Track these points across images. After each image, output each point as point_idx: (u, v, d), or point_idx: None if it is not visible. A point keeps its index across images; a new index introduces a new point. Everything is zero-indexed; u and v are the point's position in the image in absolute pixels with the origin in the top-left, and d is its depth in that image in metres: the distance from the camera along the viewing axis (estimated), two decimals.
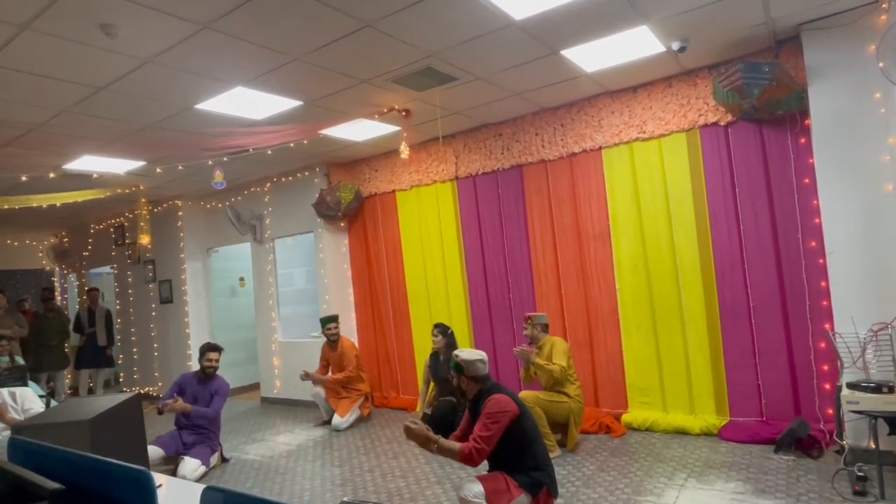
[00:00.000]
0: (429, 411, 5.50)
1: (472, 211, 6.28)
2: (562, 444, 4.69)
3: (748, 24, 4.03)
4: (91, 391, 8.63)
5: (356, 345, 6.52)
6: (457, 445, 2.90)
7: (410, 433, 2.92)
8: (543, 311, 5.68)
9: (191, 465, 4.70)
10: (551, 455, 4.44)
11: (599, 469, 4.23)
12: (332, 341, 6.32)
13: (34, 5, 2.93)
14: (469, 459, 2.89)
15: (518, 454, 2.99)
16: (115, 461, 1.28)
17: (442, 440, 2.92)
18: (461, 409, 4.93)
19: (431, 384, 5.75)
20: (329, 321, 6.33)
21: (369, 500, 3.74)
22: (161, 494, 2.05)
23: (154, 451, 4.71)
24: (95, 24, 3.16)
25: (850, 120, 3.96)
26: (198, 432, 4.98)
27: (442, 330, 5.65)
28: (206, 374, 5.10)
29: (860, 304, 3.89)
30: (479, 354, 3.16)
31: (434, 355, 5.70)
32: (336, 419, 6.02)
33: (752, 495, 3.54)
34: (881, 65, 3.50)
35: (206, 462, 4.86)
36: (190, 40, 3.47)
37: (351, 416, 6.10)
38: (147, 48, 3.54)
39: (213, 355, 5.11)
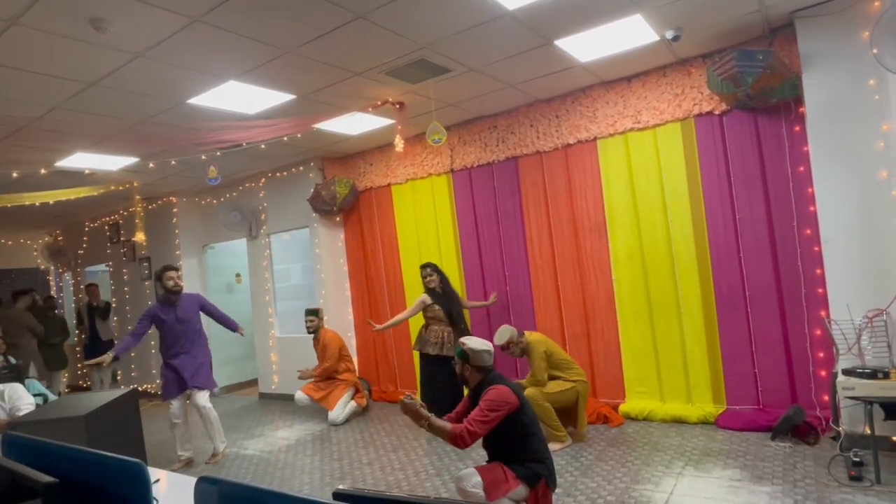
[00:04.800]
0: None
1: (467, 204, 6.26)
2: (571, 434, 4.68)
3: (742, 12, 4.02)
4: (89, 388, 8.61)
5: (339, 336, 6.48)
6: (448, 426, 2.91)
7: (405, 408, 2.94)
8: (540, 303, 5.71)
9: (201, 398, 4.99)
10: (562, 444, 4.50)
11: (597, 458, 4.25)
12: (311, 333, 6.34)
13: (22, 0, 2.90)
14: (458, 440, 2.86)
15: (516, 446, 3.00)
16: (109, 454, 1.27)
17: (433, 419, 2.93)
18: None
19: (439, 326, 5.53)
20: (307, 314, 6.34)
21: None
22: (159, 489, 2.04)
23: (177, 408, 4.94)
24: (85, 18, 3.13)
25: (845, 107, 3.96)
26: (189, 355, 5.03)
27: (434, 268, 5.61)
28: (174, 293, 5.01)
29: (855, 291, 3.90)
30: (487, 345, 3.18)
31: (432, 292, 5.56)
32: (330, 415, 6.01)
33: (749, 482, 3.56)
34: (875, 51, 3.49)
35: (211, 386, 5.14)
36: (181, 34, 3.44)
37: (345, 409, 6.08)
38: (137, 43, 3.51)
39: (172, 273, 5.03)
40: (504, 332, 4.70)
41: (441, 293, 5.58)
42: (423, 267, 5.64)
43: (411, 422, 2.97)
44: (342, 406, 6.07)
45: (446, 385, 5.32)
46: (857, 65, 3.87)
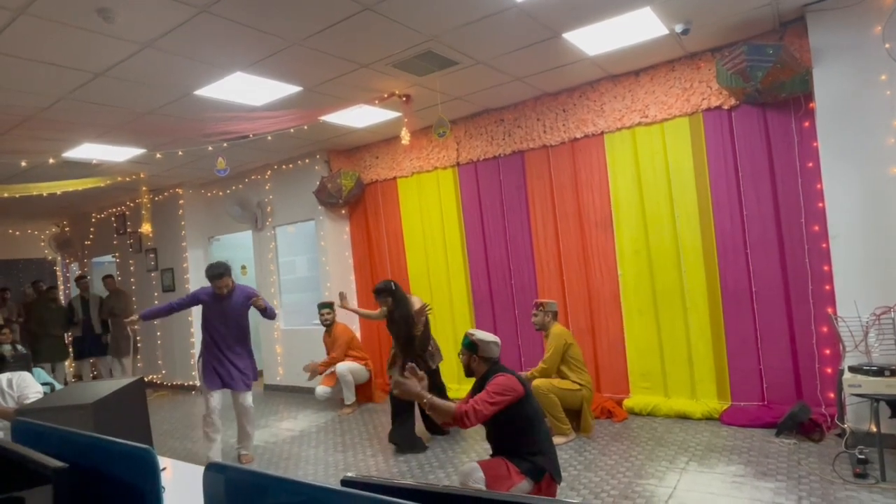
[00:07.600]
0: (397, 375, 5.17)
1: (473, 197, 6.25)
2: (576, 430, 4.68)
3: (752, 5, 3.99)
4: (95, 379, 8.67)
5: (350, 329, 6.64)
6: (451, 405, 2.90)
7: (402, 387, 2.89)
8: (545, 296, 5.68)
9: (248, 399, 4.81)
10: (567, 438, 4.51)
11: (601, 453, 4.25)
12: (327, 327, 6.48)
13: None
14: (463, 418, 2.82)
15: (520, 438, 3.00)
16: (119, 440, 1.28)
17: (434, 398, 2.88)
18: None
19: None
20: (322, 307, 6.46)
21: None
22: (166, 477, 2.05)
23: (217, 402, 4.65)
24: (93, 8, 3.13)
25: (855, 102, 3.92)
26: (237, 356, 4.74)
27: (380, 292, 5.03)
28: (223, 293, 4.68)
29: (863, 288, 3.88)
30: (494, 337, 3.21)
31: (388, 316, 5.11)
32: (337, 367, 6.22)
33: (753, 478, 3.56)
34: (887, 46, 3.46)
35: (250, 386, 4.88)
36: (187, 24, 3.43)
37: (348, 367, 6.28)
38: (145, 33, 3.51)
39: (225, 281, 4.62)
40: (552, 301, 4.93)
41: (392, 318, 5.05)
42: (377, 293, 5.09)
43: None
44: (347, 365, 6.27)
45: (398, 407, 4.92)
46: (869, 60, 3.83)
